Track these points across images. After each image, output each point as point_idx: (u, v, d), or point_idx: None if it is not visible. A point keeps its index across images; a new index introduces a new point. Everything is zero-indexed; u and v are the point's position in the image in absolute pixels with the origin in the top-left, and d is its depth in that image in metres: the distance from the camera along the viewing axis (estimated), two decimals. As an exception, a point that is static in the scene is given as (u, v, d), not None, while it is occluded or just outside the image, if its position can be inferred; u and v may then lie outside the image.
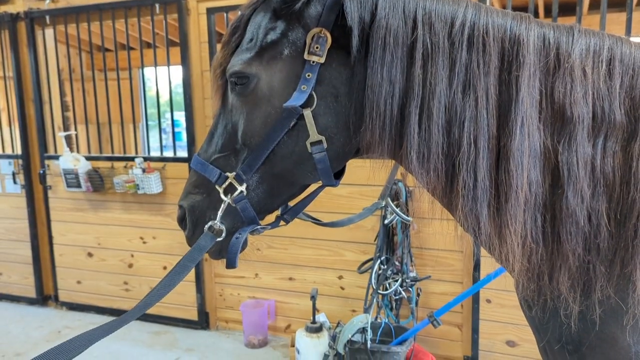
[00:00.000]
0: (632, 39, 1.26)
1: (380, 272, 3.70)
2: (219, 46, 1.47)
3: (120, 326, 1.20)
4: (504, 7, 5.99)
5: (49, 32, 4.92)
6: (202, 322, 4.66)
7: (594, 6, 6.04)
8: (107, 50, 5.76)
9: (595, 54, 1.20)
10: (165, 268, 4.68)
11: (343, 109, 1.31)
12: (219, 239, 1.37)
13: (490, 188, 1.21)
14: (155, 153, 4.99)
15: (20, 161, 5.11)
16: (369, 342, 3.37)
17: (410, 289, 3.71)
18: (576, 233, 1.18)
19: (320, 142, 1.31)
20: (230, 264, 1.40)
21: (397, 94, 1.23)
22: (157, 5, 4.34)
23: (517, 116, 1.17)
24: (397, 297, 3.76)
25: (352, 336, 3.46)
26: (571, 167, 1.17)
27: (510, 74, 1.19)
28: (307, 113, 1.29)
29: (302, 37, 1.29)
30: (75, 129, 5.00)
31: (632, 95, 1.18)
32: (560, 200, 1.18)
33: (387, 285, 3.70)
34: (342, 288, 4.18)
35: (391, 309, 3.85)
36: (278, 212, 1.56)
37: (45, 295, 5.34)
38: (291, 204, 1.57)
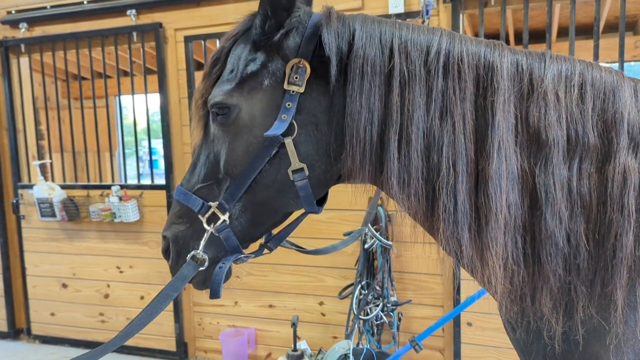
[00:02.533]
0: (600, 64, 1.30)
1: (361, 297, 3.69)
2: (197, 74, 1.48)
3: (98, 357, 1.18)
4: (476, 34, 6.15)
5: (24, 60, 4.87)
6: (181, 352, 4.56)
7: (563, 34, 6.24)
8: (84, 78, 5.73)
9: (567, 78, 1.24)
10: (142, 298, 4.59)
11: (324, 136, 1.32)
12: (201, 268, 1.36)
13: (470, 211, 1.23)
14: (132, 181, 4.94)
15: (-8, 191, 5.01)
16: (351, 369, 3.33)
17: (392, 313, 3.70)
18: (556, 254, 1.19)
19: (301, 169, 1.32)
20: (214, 294, 1.39)
21: (376, 121, 1.25)
22: (134, 34, 4.35)
23: (493, 140, 1.20)
24: (378, 322, 3.74)
25: (334, 363, 3.42)
26: (548, 189, 1.19)
27: (486, 100, 1.22)
28: (288, 141, 1.30)
29: (282, 68, 1.31)
30: (51, 158, 4.92)
31: (604, 118, 1.21)
32: (539, 221, 1.20)
33: (368, 311, 3.68)
34: (323, 314, 4.14)
35: (373, 335, 3.83)
36: (262, 240, 1.56)
37: (17, 329, 5.18)
38: (275, 231, 1.57)
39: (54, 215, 4.62)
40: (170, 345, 4.58)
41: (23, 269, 5.04)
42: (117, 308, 4.73)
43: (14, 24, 4.75)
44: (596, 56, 3.29)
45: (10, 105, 4.86)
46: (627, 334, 1.16)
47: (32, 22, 4.71)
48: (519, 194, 1.22)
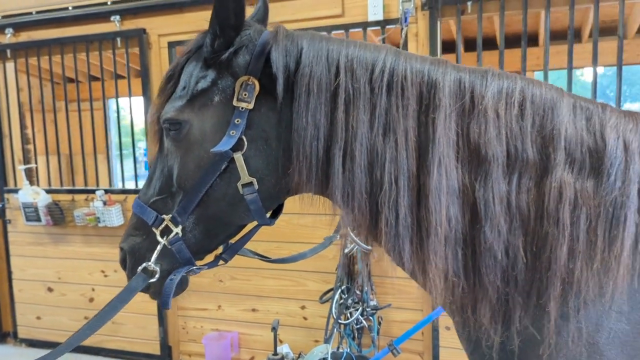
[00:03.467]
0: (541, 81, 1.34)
1: (342, 301, 3.72)
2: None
3: None
4: (472, 39, 6.21)
5: (10, 65, 4.89)
6: (165, 356, 4.59)
7: (559, 37, 6.29)
8: (71, 81, 5.75)
9: (508, 95, 1.27)
10: (127, 302, 4.61)
11: (273, 151, 1.35)
12: (152, 280, 1.39)
13: (412, 225, 1.26)
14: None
15: (-21, 195, 5.03)
16: (329, 373, 3.36)
17: (371, 317, 3.74)
18: (494, 266, 1.23)
19: (251, 183, 1.35)
20: (164, 305, 1.42)
21: (322, 137, 1.29)
22: (118, 39, 4.38)
23: (434, 156, 1.23)
24: (358, 326, 3.78)
25: (313, 367, 3.46)
26: (487, 203, 1.23)
27: (428, 116, 1.26)
28: (238, 156, 1.33)
29: (232, 85, 1.34)
30: (36, 162, 4.94)
31: (543, 134, 1.25)
32: (478, 235, 1.24)
33: (349, 315, 3.71)
34: (305, 318, 4.18)
35: (353, 338, 3.86)
36: (220, 251, 1.59)
37: (3, 332, 5.20)
38: (234, 241, 1.60)
39: (39, 219, 4.65)
40: (155, 348, 4.61)
41: (9, 272, 5.06)
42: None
43: (0, 29, 4.78)
44: (595, 59, 3.33)
45: (-4, 109, 4.88)
46: (559, 344, 1.20)
47: (18, 27, 4.73)
48: (460, 208, 1.25)
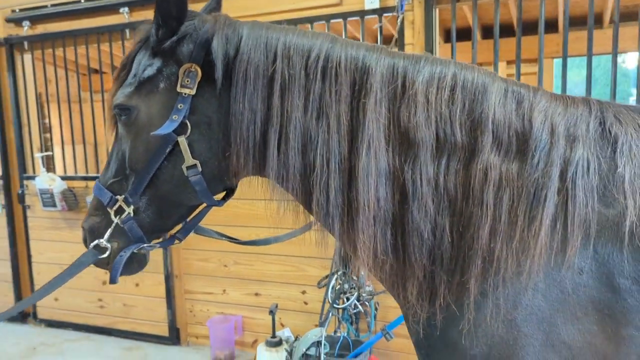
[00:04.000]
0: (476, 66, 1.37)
1: (338, 286, 3.79)
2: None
3: None
4: (483, 26, 6.16)
5: (27, 57, 5.08)
6: (173, 337, 4.74)
7: (578, 23, 6.18)
8: (96, 72, 5.94)
9: (440, 80, 1.31)
10: (137, 285, 4.78)
11: (215, 135, 1.42)
12: (102, 256, 1.49)
13: (342, 205, 1.32)
14: None
15: (0, 182, 5.25)
16: (322, 356, 3.45)
17: (367, 303, 3.80)
18: (420, 245, 1.28)
19: (195, 166, 1.42)
20: (112, 280, 1.51)
21: (258, 121, 1.35)
22: (127, 31, 4.50)
23: (363, 139, 1.29)
24: (355, 311, 3.85)
25: (308, 350, 3.54)
26: (415, 185, 1.28)
27: (359, 101, 1.31)
28: (182, 140, 1.41)
29: (176, 72, 1.42)
30: (52, 150, 5.14)
31: (472, 118, 1.29)
32: (406, 215, 1.29)
33: (345, 300, 3.78)
34: (306, 303, 4.27)
35: (352, 323, 3.93)
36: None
37: (24, 313, 5.44)
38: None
39: (54, 205, 4.84)
40: (163, 330, 4.77)
41: (29, 256, 5.28)
42: (113, 294, 4.93)
43: (17, 22, 4.95)
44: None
45: (15, 100, 5.08)
46: (478, 320, 1.25)
47: (34, 20, 4.90)
48: (389, 189, 1.30)
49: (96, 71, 5.69)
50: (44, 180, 4.83)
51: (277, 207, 1.47)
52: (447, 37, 6.08)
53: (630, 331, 1.18)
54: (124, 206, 1.49)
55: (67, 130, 5.06)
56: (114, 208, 1.50)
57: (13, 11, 4.98)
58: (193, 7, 1.51)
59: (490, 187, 1.24)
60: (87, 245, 1.60)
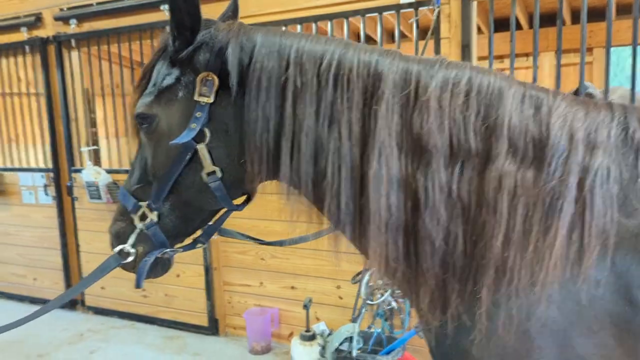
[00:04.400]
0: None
1: (372, 282, 3.78)
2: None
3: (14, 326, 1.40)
4: (529, 14, 5.97)
5: (75, 54, 5.27)
6: (212, 328, 4.86)
7: (624, 11, 5.93)
8: (139, 65, 6.11)
9: (455, 86, 1.28)
10: (178, 276, 4.91)
11: (233, 142, 1.44)
12: (125, 261, 1.53)
13: (354, 212, 1.32)
14: None
15: (51, 174, 5.48)
16: (354, 351, 3.46)
17: (401, 299, 3.77)
18: (432, 253, 1.27)
19: (214, 172, 1.45)
20: (136, 284, 1.55)
21: (271, 129, 1.36)
22: (168, 28, 4.58)
23: (374, 146, 1.28)
24: (389, 307, 3.83)
25: (340, 345, 3.56)
26: (428, 192, 1.26)
27: (371, 108, 1.30)
28: (201, 147, 1.43)
29: (194, 81, 1.44)
30: (98, 144, 5.32)
31: (487, 124, 1.25)
32: (419, 222, 1.28)
33: (379, 295, 3.77)
34: (341, 297, 4.28)
35: (386, 319, 3.92)
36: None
37: (73, 300, 5.68)
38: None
39: (100, 197, 5.02)
40: (203, 320, 4.89)
41: (77, 246, 5.50)
42: (156, 284, 5.07)
43: (65, 20, 5.13)
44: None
45: (64, 95, 5.28)
46: (491, 330, 1.22)
47: (81, 18, 5.07)
48: (401, 196, 1.29)
49: (140, 64, 5.82)
50: (90, 174, 5.01)
51: (290, 210, 1.47)
52: (496, 27, 5.94)
53: None
54: (148, 212, 1.52)
55: (112, 124, 5.23)
56: (138, 214, 1.54)
57: (61, 10, 5.17)
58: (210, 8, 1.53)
59: (505, 195, 1.21)
60: (113, 250, 1.65)
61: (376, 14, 3.79)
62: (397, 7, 3.69)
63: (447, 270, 1.28)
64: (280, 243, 2.00)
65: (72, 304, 5.68)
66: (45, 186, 5.51)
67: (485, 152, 1.25)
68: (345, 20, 3.93)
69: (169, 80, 1.47)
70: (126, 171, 5.03)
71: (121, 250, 1.54)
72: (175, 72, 1.46)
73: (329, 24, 3.99)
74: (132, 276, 4.89)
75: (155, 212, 1.52)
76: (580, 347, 1.17)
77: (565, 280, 1.18)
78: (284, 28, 4.13)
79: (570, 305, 1.18)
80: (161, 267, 1.63)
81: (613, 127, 1.22)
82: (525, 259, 1.19)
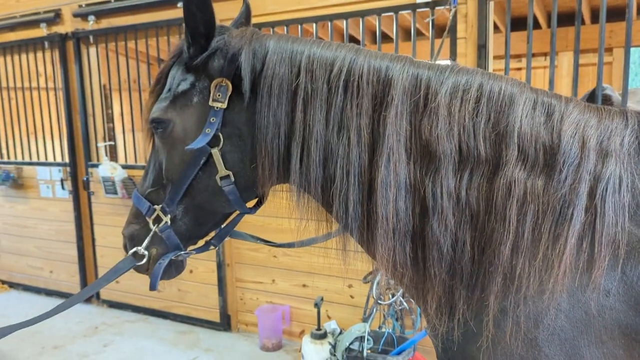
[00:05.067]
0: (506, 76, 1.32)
1: (384, 282, 3.78)
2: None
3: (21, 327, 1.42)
4: (548, 13, 5.90)
5: (92, 50, 5.32)
6: (224, 324, 4.89)
7: None
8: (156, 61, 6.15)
9: (465, 92, 1.28)
10: (191, 272, 4.95)
11: (247, 146, 1.45)
12: (140, 263, 1.55)
13: (362, 217, 1.32)
14: None
15: (68, 169, 5.56)
16: (365, 351, 3.46)
17: (413, 300, 3.76)
18: (440, 259, 1.26)
19: (228, 176, 1.46)
20: (151, 287, 1.57)
21: (282, 134, 1.37)
22: (184, 25, 4.61)
23: (382, 152, 1.28)
24: (400, 307, 3.83)
25: (351, 344, 3.57)
26: (436, 198, 1.26)
27: (380, 114, 1.30)
28: (215, 152, 1.45)
29: (208, 86, 1.45)
30: (113, 140, 5.37)
31: (497, 131, 1.25)
32: (426, 228, 1.27)
33: (390, 296, 3.77)
34: (352, 296, 4.29)
35: (397, 319, 3.92)
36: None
37: (88, 293, 5.75)
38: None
39: (115, 192, 5.07)
40: (215, 316, 4.92)
41: (93, 239, 5.57)
42: (169, 279, 5.12)
43: (84, 16, 5.19)
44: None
45: (81, 90, 5.34)
46: (498, 337, 1.22)
47: (99, 14, 5.12)
48: (410, 202, 1.29)
49: (157, 59, 5.87)
50: (106, 169, 5.07)
51: (299, 215, 1.48)
52: (513, 26, 5.88)
53: None
54: (162, 215, 1.54)
55: (128, 119, 5.27)
56: (152, 217, 1.55)
57: (80, 6, 5.22)
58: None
59: (514, 202, 1.21)
60: (126, 251, 1.67)
61: (392, 13, 3.77)
62: (414, 7, 3.67)
63: (454, 277, 1.27)
64: (290, 245, 2.00)
65: (88, 298, 5.75)
66: (62, 180, 5.58)
67: (494, 158, 1.25)
68: (361, 19, 3.91)
69: (184, 86, 1.48)
70: (142, 167, 5.08)
71: (135, 253, 1.56)
72: (190, 78, 1.48)
73: (344, 22, 3.98)
74: (146, 272, 4.75)
75: (169, 215, 1.54)
76: (589, 356, 1.16)
77: (574, 289, 1.17)
78: (300, 26, 4.14)
79: (580, 315, 1.17)
80: (175, 268, 1.65)
81: (626, 134, 1.21)
82: (534, 266, 1.18)
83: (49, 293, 5.92)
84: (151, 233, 1.55)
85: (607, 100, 3.00)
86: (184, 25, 1.43)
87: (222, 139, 1.45)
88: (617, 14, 5.39)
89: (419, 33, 6.09)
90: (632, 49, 6.28)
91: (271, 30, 4.27)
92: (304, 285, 4.49)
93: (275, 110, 1.37)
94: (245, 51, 1.40)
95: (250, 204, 1.61)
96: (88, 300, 5.74)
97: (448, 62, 1.48)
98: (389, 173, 1.27)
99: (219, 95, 1.43)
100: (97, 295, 5.65)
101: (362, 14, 3.86)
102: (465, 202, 1.25)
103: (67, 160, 5.58)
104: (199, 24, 1.40)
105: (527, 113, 1.24)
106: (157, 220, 1.55)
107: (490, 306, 1.21)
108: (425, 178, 1.27)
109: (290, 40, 1.43)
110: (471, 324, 1.25)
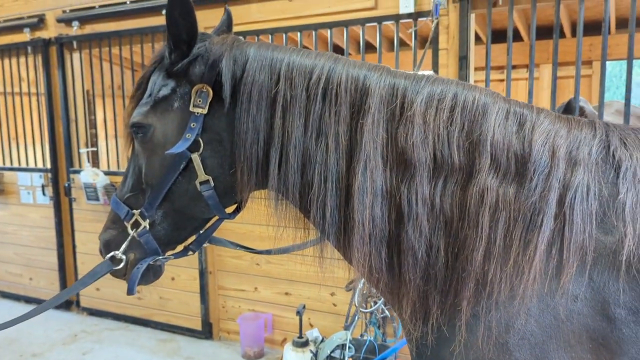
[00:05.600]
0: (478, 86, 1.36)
1: (366, 290, 3.80)
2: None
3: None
4: (528, 26, 6.00)
5: (76, 55, 5.30)
6: (206, 332, 4.86)
7: (621, 25, 5.98)
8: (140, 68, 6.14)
9: (440, 101, 1.31)
10: (173, 279, 4.93)
11: (226, 152, 1.47)
12: (117, 268, 1.55)
13: (338, 223, 1.34)
14: None
15: (49, 174, 5.51)
16: (346, 359, 3.47)
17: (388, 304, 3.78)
18: (414, 264, 1.29)
19: (207, 181, 1.47)
20: (129, 291, 1.57)
21: (261, 140, 1.39)
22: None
23: (359, 159, 1.30)
24: (382, 315, 3.84)
25: (332, 352, 3.57)
26: (411, 205, 1.28)
27: (357, 122, 1.32)
28: (195, 157, 1.46)
29: (189, 92, 1.47)
30: (96, 146, 5.34)
31: (471, 139, 1.28)
32: (401, 234, 1.30)
33: (372, 304, 3.78)
34: (335, 304, 4.29)
35: (379, 327, 3.93)
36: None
37: (68, 301, 5.69)
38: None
39: (97, 199, 5.04)
40: (197, 324, 4.89)
41: (74, 246, 5.52)
42: (150, 287, 5.05)
43: (67, 22, 5.17)
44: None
45: (64, 96, 5.31)
46: (470, 342, 1.24)
47: (83, 20, 5.11)
48: (386, 209, 1.31)
49: (141, 65, 5.86)
50: (89, 175, 5.04)
51: (278, 221, 1.49)
52: (494, 39, 5.98)
53: None
54: (140, 220, 1.54)
55: (111, 125, 5.25)
56: (131, 222, 1.55)
57: (63, 12, 5.20)
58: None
59: (486, 209, 1.23)
60: (103, 256, 1.66)
61: (375, 24, 3.82)
62: (397, 18, 3.72)
63: (428, 282, 1.29)
64: (267, 252, 2.01)
65: (67, 305, 5.69)
66: (43, 186, 5.53)
67: (468, 166, 1.27)
68: (345, 29, 3.95)
69: (165, 91, 1.50)
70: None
71: (113, 257, 1.56)
72: (171, 84, 1.49)
73: (329, 31, 4.02)
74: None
75: (148, 220, 1.54)
76: None
77: (543, 294, 1.20)
78: (284, 35, 4.17)
79: (549, 319, 1.19)
80: (153, 274, 1.65)
81: (594, 144, 1.25)
82: (505, 272, 1.21)
83: (29, 300, 5.85)
84: (129, 237, 1.55)
85: (580, 112, 3.07)
86: (167, 35, 1.45)
87: (202, 144, 1.46)
88: (596, 27, 5.50)
89: (403, 43, 6.16)
90: (615, 62, 6.42)
91: (256, 38, 4.30)
92: (286, 293, 4.49)
93: (254, 116, 1.39)
94: (226, 58, 1.42)
95: (230, 209, 1.62)
96: (67, 308, 5.68)
97: (430, 72, 1.51)
98: (366, 180, 1.29)
99: (199, 101, 1.45)
100: (77, 302, 5.60)
101: (346, 23, 3.91)
102: (440, 209, 1.28)
103: (48, 166, 5.53)
104: (182, 30, 1.42)
105: (499, 122, 1.27)
106: (136, 224, 1.55)
107: (463, 311, 1.23)
108: (401, 185, 1.30)
109: (270, 48, 1.45)
110: (444, 328, 1.27)
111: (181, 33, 1.42)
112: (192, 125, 1.45)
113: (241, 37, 1.55)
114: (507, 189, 1.24)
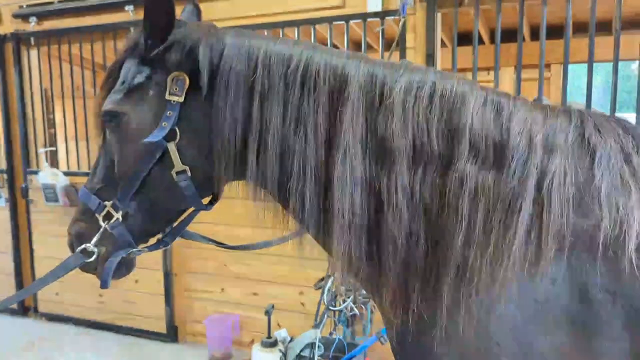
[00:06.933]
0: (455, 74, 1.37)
1: (335, 289, 3.79)
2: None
3: None
4: (491, 29, 6.12)
5: (34, 52, 5.13)
6: (171, 335, 4.76)
7: (583, 29, 6.15)
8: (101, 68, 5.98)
9: (419, 89, 1.31)
10: (137, 281, 4.80)
11: (203, 141, 1.43)
12: (89, 260, 1.49)
13: (318, 212, 1.32)
14: None
15: (4, 175, 5.30)
16: (315, 358, 3.45)
17: (363, 306, 3.79)
18: (395, 252, 1.28)
19: (184, 171, 1.43)
20: (102, 284, 1.51)
21: (239, 129, 1.36)
22: (132, 29, 4.52)
23: (339, 147, 1.29)
24: (351, 313, 3.84)
25: (302, 351, 3.55)
26: (390, 193, 1.28)
27: (337, 110, 1.31)
28: (171, 146, 1.42)
29: (165, 80, 1.42)
30: (56, 146, 5.18)
31: (450, 127, 1.28)
32: (381, 222, 1.29)
33: (341, 302, 3.78)
34: (303, 304, 4.27)
35: (347, 326, 3.93)
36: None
37: (25, 307, 5.49)
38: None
39: (57, 200, 4.87)
40: (162, 327, 4.79)
41: (31, 250, 5.33)
42: (113, 290, 4.96)
43: (24, 17, 5.00)
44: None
45: (20, 95, 5.13)
46: (451, 328, 1.24)
47: (41, 16, 4.95)
48: (365, 197, 1.30)
49: (102, 66, 5.73)
50: (47, 176, 4.87)
51: (257, 210, 1.47)
52: (458, 40, 6.09)
53: (603, 343, 1.17)
54: (113, 212, 1.49)
55: (71, 126, 5.10)
56: (103, 214, 1.50)
57: (20, 7, 5.03)
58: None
59: (466, 195, 1.24)
60: (73, 250, 1.60)
61: (343, 22, 3.83)
62: (364, 16, 3.74)
63: (409, 269, 1.29)
64: (245, 247, 1.98)
65: (24, 311, 5.49)
66: (-1, 188, 5.33)
67: (447, 154, 1.28)
68: (312, 28, 3.95)
69: (139, 79, 1.45)
70: (86, 174, 4.91)
71: (83, 249, 1.50)
72: (146, 71, 1.45)
73: (295, 30, 4.01)
74: (89, 281, 4.72)
75: (121, 212, 1.49)
76: (538, 344, 1.20)
77: (523, 279, 1.21)
78: (250, 33, 4.13)
79: (529, 303, 1.21)
80: (125, 267, 1.60)
81: (570, 131, 1.27)
82: (485, 258, 1.21)
83: (-18, 307, 5.60)
84: (101, 230, 1.50)
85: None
86: (141, 22, 1.41)
87: (178, 133, 1.42)
88: (556, 32, 5.64)
89: (369, 46, 6.20)
90: (575, 66, 6.62)
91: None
92: (254, 294, 4.44)
93: (232, 105, 1.36)
94: (203, 45, 1.39)
95: (206, 200, 1.58)
96: (24, 313, 5.47)
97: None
98: (345, 169, 1.28)
99: (175, 89, 1.41)
100: (35, 308, 5.40)
101: (314, 22, 3.90)
102: (419, 196, 1.28)
103: (3, 166, 5.33)
104: (162, 16, 1.38)
105: (477, 110, 1.28)
106: (108, 217, 1.50)
107: (444, 298, 1.23)
108: (380, 173, 1.29)
109: (247, 35, 1.43)
110: (425, 315, 1.27)
111: (160, 19, 1.38)
112: (168, 113, 1.41)
113: (217, 24, 1.52)
114: (486, 175, 1.24)
